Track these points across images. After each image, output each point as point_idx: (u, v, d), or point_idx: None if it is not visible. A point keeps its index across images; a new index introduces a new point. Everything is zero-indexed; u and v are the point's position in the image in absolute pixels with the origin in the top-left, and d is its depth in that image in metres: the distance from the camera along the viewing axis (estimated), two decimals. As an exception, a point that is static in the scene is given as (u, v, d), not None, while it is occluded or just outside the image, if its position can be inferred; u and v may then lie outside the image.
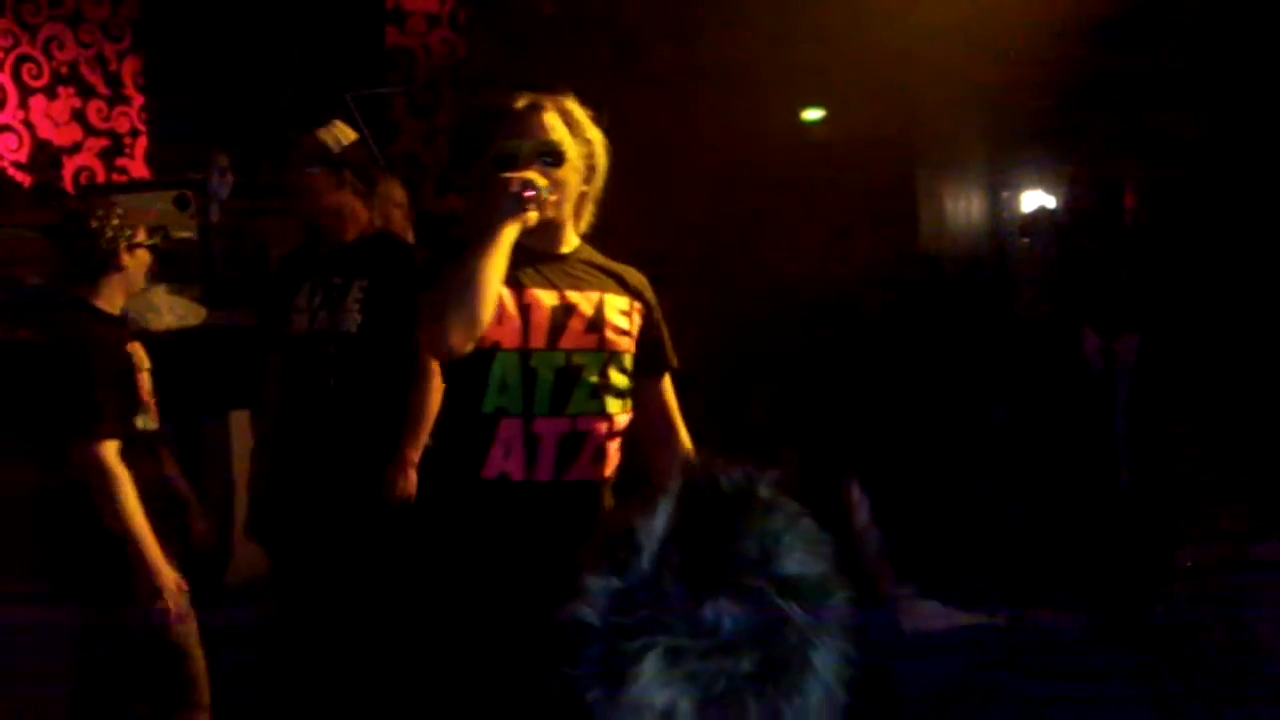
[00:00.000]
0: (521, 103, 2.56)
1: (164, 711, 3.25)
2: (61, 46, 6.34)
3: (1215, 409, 3.07)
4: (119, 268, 3.22)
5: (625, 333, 2.65)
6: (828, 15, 6.28)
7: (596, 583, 0.98)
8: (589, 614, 0.97)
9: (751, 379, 4.61)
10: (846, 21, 6.10)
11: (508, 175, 2.45)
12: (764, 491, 1.01)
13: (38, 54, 6.28)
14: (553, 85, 2.64)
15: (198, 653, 3.29)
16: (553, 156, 2.52)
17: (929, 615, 1.30)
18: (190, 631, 3.26)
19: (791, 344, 5.00)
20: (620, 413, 2.63)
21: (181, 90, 6.30)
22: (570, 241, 2.65)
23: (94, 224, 3.19)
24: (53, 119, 6.28)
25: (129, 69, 6.53)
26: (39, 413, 3.18)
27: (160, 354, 3.79)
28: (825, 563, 0.99)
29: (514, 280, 2.51)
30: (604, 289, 2.65)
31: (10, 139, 6.16)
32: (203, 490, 3.89)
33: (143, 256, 3.25)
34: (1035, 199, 6.94)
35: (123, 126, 6.50)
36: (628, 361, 2.66)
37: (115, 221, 3.20)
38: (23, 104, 6.21)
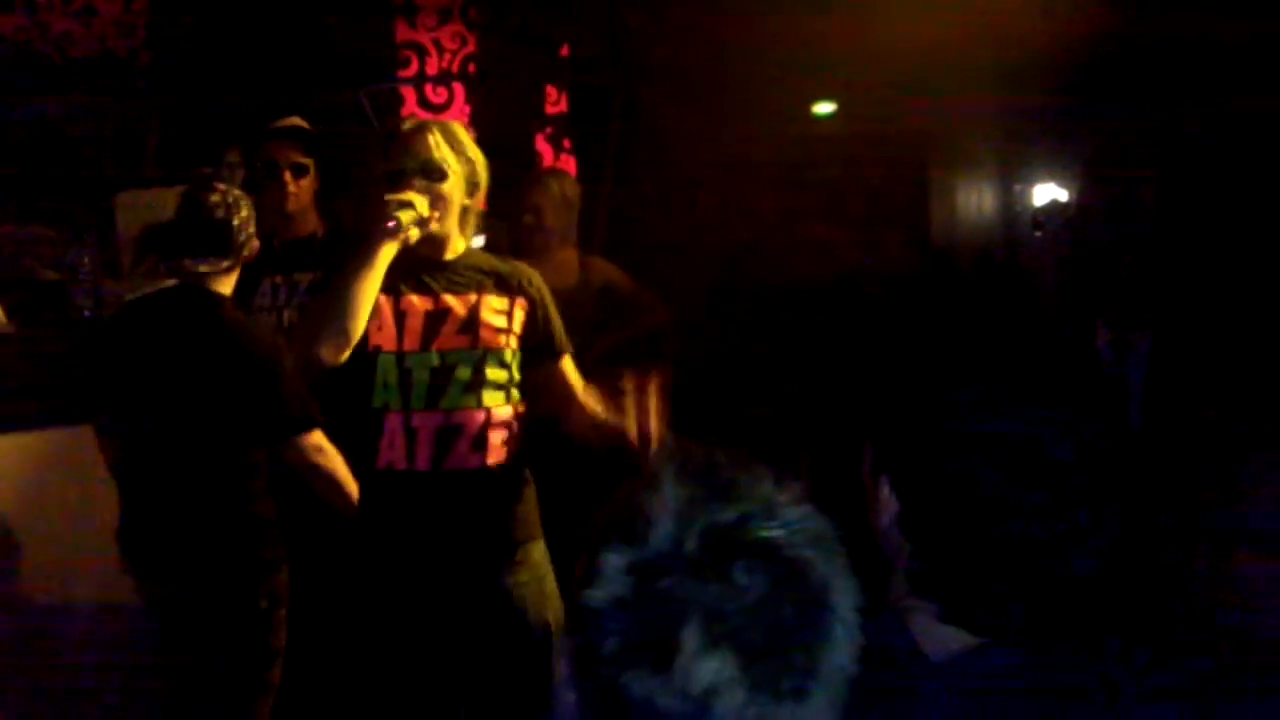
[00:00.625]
0: (408, 125, 2.88)
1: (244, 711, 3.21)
2: (74, 42, 6.35)
3: (1230, 402, 3.06)
4: (240, 262, 3.14)
5: (503, 330, 2.91)
6: (839, 8, 6.26)
7: (614, 559, 0.97)
8: (615, 588, 0.96)
9: (763, 377, 4.60)
10: (858, 14, 6.08)
11: (389, 197, 2.73)
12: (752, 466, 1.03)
13: (50, 50, 6.29)
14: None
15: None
16: (435, 173, 2.81)
17: (949, 639, 1.26)
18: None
19: (799, 339, 5.00)
20: (500, 405, 2.90)
21: (192, 86, 6.31)
22: (455, 249, 2.93)
23: (239, 213, 3.10)
24: (66, 114, 6.29)
25: (141, 66, 6.53)
26: (236, 416, 3.05)
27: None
28: (819, 515, 1.02)
29: (393, 288, 2.81)
30: (481, 291, 2.92)
31: (21, 134, 6.17)
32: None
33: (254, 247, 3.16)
34: (1048, 192, 6.91)
35: (135, 122, 6.50)
36: (508, 356, 2.91)
37: (245, 213, 3.13)
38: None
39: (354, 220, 3.84)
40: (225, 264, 3.09)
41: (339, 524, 2.99)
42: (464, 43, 6.69)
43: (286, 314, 3.57)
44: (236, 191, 3.14)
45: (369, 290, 2.70)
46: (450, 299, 2.90)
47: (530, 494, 3.01)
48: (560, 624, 2.95)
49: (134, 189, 4.80)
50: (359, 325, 2.69)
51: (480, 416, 2.88)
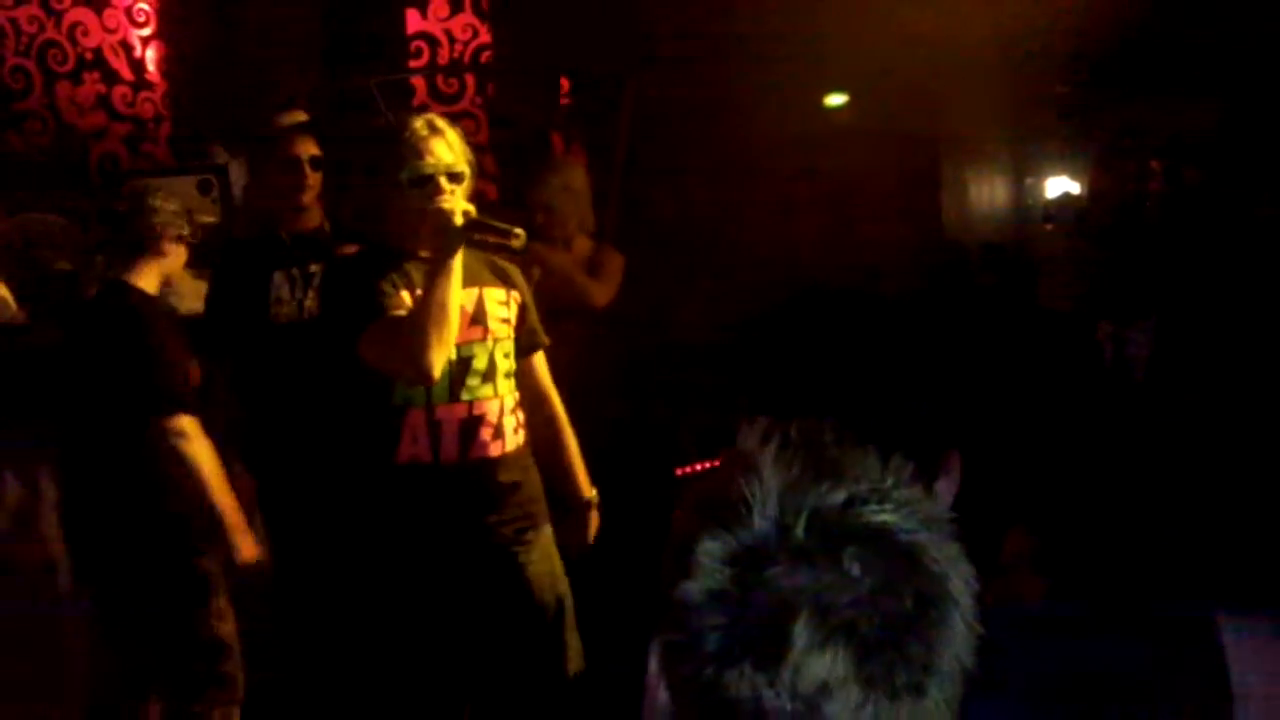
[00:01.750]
0: (422, 126, 2.86)
1: (186, 705, 3.26)
2: (86, 33, 6.36)
3: (1229, 396, 3.05)
4: (159, 254, 3.25)
5: (506, 320, 2.98)
6: (851, 1, 6.24)
7: (711, 547, 0.89)
8: (713, 579, 0.88)
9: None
10: (870, 6, 6.05)
11: (444, 207, 2.73)
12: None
13: (63, 40, 6.30)
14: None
15: (238, 648, 3.32)
16: (457, 176, 2.83)
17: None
18: (232, 628, 3.29)
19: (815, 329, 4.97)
20: (511, 392, 2.97)
21: (204, 76, 6.32)
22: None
23: (148, 205, 3.22)
24: (78, 105, 6.30)
25: (153, 55, 6.54)
26: (105, 395, 3.19)
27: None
28: (930, 497, 0.93)
29: (406, 287, 2.82)
30: (482, 284, 2.96)
31: (35, 124, 6.18)
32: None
33: (181, 250, 3.28)
34: (1060, 185, 6.88)
35: (147, 112, 6.51)
36: (510, 346, 2.99)
37: (171, 208, 3.25)
38: (48, 90, 6.23)
39: (353, 214, 3.82)
40: (138, 258, 3.17)
41: (348, 521, 3.00)
42: (475, 33, 6.68)
43: (305, 304, 3.57)
44: (155, 187, 3.29)
45: (456, 298, 2.74)
46: (477, 288, 2.96)
47: (538, 478, 3.06)
48: (570, 603, 3.02)
49: (144, 179, 4.79)
50: (454, 333, 2.75)
51: (498, 405, 2.93)
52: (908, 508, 0.90)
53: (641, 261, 4.62)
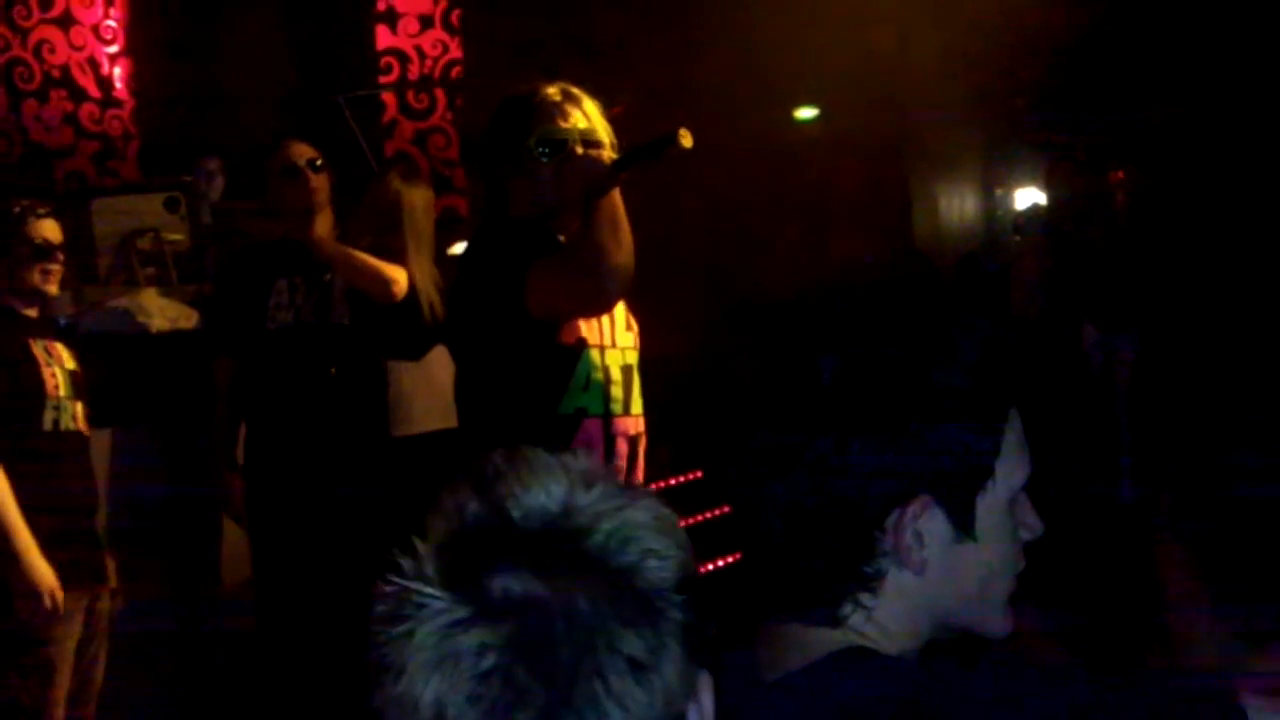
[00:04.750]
0: (556, 91, 2.50)
1: None
2: (53, 50, 6.32)
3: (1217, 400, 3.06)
4: None
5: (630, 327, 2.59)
6: (822, 14, 6.27)
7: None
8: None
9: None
10: (840, 20, 6.09)
11: (590, 152, 2.39)
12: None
13: (29, 57, 6.26)
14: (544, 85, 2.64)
15: (64, 672, 3.12)
16: (594, 145, 2.45)
17: None
18: (64, 646, 3.10)
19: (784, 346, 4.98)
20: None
21: (172, 94, 6.28)
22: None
23: None
24: (44, 122, 6.26)
25: (120, 73, 6.50)
26: None
27: (155, 357, 3.78)
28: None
29: None
30: None
31: (1, 142, 6.14)
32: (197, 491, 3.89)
33: (21, 252, 3.15)
34: (1029, 196, 6.93)
35: (114, 129, 6.47)
36: None
37: (16, 211, 3.14)
38: (14, 108, 6.19)
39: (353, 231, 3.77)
40: None
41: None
42: (445, 49, 6.68)
43: (306, 309, 3.54)
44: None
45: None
46: None
47: None
48: None
49: (112, 195, 4.76)
50: (630, 245, 2.34)
51: (644, 422, 2.55)
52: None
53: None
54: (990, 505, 1.10)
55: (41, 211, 3.21)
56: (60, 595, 3.00)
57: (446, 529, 0.85)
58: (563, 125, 2.45)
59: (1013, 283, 4.67)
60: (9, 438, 3.04)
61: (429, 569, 0.83)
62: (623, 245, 2.29)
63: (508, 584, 0.81)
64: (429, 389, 3.75)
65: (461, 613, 0.80)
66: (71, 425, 3.18)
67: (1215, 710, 1.02)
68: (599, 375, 2.41)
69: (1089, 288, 3.94)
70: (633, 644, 0.81)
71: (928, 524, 1.07)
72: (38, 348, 3.17)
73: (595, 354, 2.41)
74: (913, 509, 1.06)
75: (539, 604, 0.81)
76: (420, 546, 0.84)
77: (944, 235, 7.38)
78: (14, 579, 2.96)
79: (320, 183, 3.59)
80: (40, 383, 3.12)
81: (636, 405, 2.49)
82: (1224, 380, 3.16)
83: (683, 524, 0.88)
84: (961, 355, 1.09)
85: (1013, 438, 1.11)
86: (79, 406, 3.19)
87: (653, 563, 0.84)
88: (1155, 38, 6.04)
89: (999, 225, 7.20)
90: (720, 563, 3.80)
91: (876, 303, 1.12)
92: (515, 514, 0.84)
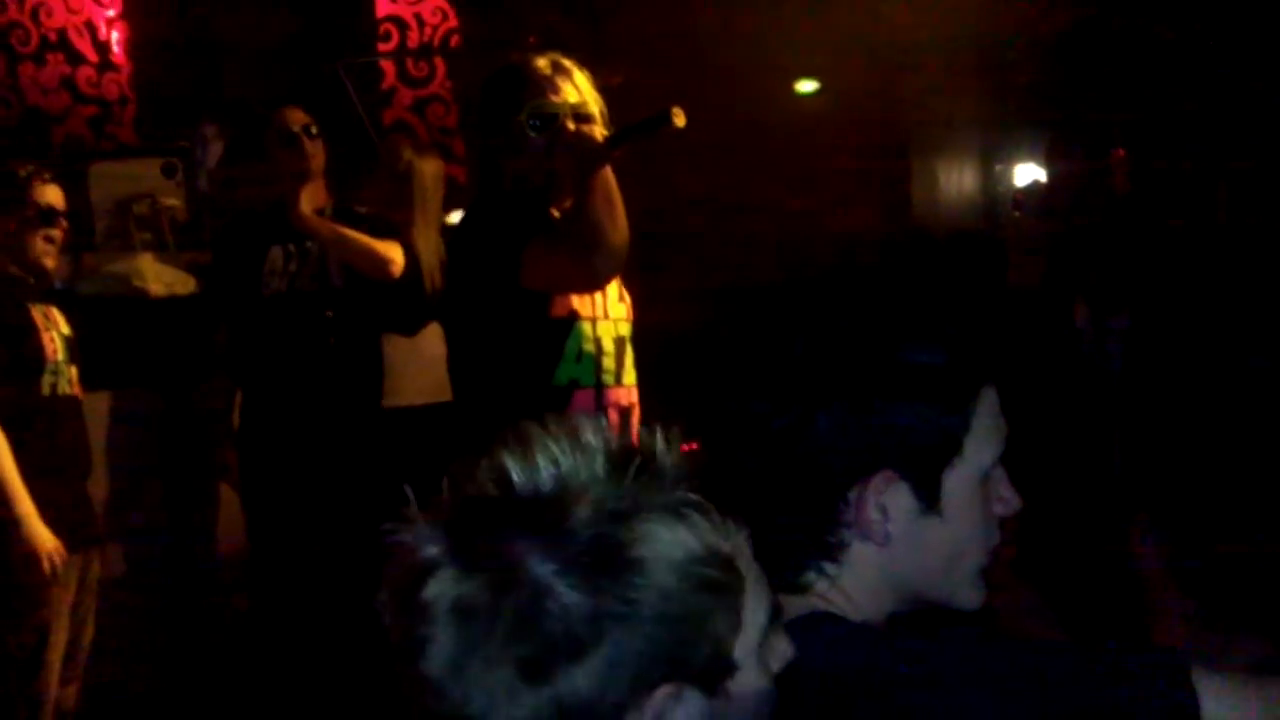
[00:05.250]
0: (546, 64, 2.51)
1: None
2: (50, 14, 6.28)
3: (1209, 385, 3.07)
4: None
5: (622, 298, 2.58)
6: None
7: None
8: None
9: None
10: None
11: (581, 128, 2.40)
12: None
13: (26, 21, 6.22)
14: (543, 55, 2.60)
15: (59, 633, 3.15)
16: (585, 119, 2.46)
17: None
18: (59, 609, 3.13)
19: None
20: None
21: (170, 58, 6.25)
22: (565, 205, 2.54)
23: None
24: (41, 86, 6.23)
25: (118, 36, 6.47)
26: None
27: (152, 322, 3.79)
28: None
29: None
30: None
31: (-1, 107, 6.12)
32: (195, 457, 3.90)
33: (25, 217, 3.15)
34: (1029, 172, 6.92)
35: (112, 93, 6.44)
36: None
37: (21, 175, 3.15)
38: (11, 71, 6.16)
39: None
40: None
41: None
42: (445, 17, 6.64)
43: (302, 277, 3.55)
44: None
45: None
46: None
47: None
48: None
49: (109, 160, 4.75)
50: (624, 221, 2.36)
51: (636, 393, 2.57)
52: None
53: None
54: (959, 481, 1.10)
55: (46, 177, 3.22)
56: (61, 558, 3.03)
57: (458, 501, 0.89)
58: (553, 99, 2.46)
59: (1012, 249, 4.67)
60: (8, 403, 3.05)
61: (439, 538, 0.87)
62: (617, 223, 2.30)
63: (510, 551, 0.84)
64: (418, 362, 3.75)
65: (470, 579, 0.84)
66: (67, 390, 3.20)
67: (1166, 686, 1.03)
68: (590, 347, 2.44)
69: (1084, 266, 3.94)
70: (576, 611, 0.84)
71: (892, 498, 1.08)
72: (37, 312, 3.19)
73: (587, 326, 2.44)
74: (875, 483, 1.07)
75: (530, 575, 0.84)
76: (428, 516, 0.88)
77: (942, 210, 7.37)
78: (15, 542, 2.99)
79: (315, 149, 3.59)
80: (40, 348, 3.14)
81: (629, 376, 2.52)
82: (1215, 366, 3.17)
83: None
84: (935, 332, 1.09)
85: (986, 414, 1.11)
86: (74, 370, 3.22)
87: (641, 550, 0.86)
88: (1160, 19, 6.01)
89: (999, 201, 7.19)
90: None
91: (856, 279, 1.13)
92: (517, 485, 0.87)
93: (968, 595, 1.14)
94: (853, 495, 1.08)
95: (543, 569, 0.84)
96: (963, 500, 1.10)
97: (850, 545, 1.10)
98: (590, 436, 0.89)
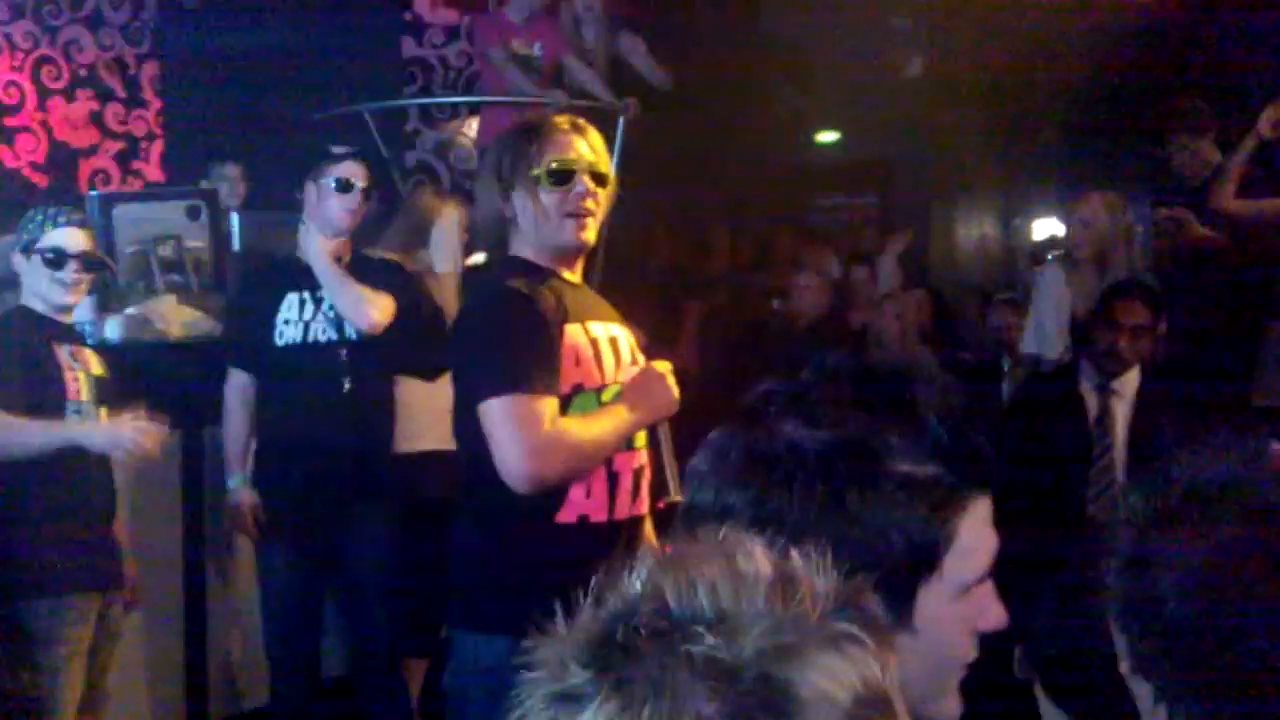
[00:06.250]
0: (565, 122, 2.54)
1: None
2: (81, 49, 6.36)
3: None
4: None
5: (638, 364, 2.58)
6: (843, 41, 6.29)
7: None
8: None
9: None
10: (862, 47, 6.11)
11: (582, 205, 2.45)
12: None
13: (58, 56, 6.30)
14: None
15: (76, 672, 3.12)
16: (600, 179, 2.48)
17: None
18: (76, 646, 3.11)
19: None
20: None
21: (199, 96, 6.32)
22: (580, 268, 2.58)
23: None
24: (70, 121, 6.30)
25: (147, 73, 6.55)
26: None
27: (171, 365, 3.82)
28: None
29: (576, 314, 2.45)
30: (615, 317, 2.61)
31: (28, 140, 6.18)
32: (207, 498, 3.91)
33: (48, 259, 3.19)
34: (1048, 227, 6.92)
35: (139, 130, 6.52)
36: None
37: (45, 217, 3.21)
38: (41, 105, 6.23)
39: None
40: None
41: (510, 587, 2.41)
42: (470, 61, 6.70)
43: (317, 325, 3.57)
44: None
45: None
46: (613, 325, 2.58)
47: None
48: None
49: (133, 202, 4.79)
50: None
51: (648, 455, 2.58)
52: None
53: (628, 296, 4.64)
54: (934, 597, 1.03)
55: (62, 220, 3.26)
56: (142, 434, 3.05)
57: (598, 617, 0.83)
58: (571, 156, 2.48)
59: (1030, 314, 4.64)
60: None
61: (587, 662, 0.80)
62: (577, 474, 2.37)
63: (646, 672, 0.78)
64: (435, 407, 3.78)
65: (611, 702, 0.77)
66: None
67: None
68: None
69: (1089, 327, 3.91)
70: None
71: None
72: (61, 351, 3.21)
73: (590, 397, 2.45)
74: None
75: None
76: (566, 635, 0.81)
77: (961, 264, 7.37)
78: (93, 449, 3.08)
79: (363, 209, 3.61)
80: (61, 386, 3.16)
81: (639, 439, 2.52)
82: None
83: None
84: (924, 440, 1.03)
85: (974, 524, 1.05)
86: (103, 412, 3.23)
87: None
88: (1184, 72, 6.03)
89: (1017, 256, 7.19)
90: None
91: (850, 378, 1.07)
92: (675, 611, 0.81)
93: (943, 708, 1.09)
94: None
95: (707, 710, 0.78)
96: (937, 616, 1.03)
97: None
98: (743, 561, 0.83)
